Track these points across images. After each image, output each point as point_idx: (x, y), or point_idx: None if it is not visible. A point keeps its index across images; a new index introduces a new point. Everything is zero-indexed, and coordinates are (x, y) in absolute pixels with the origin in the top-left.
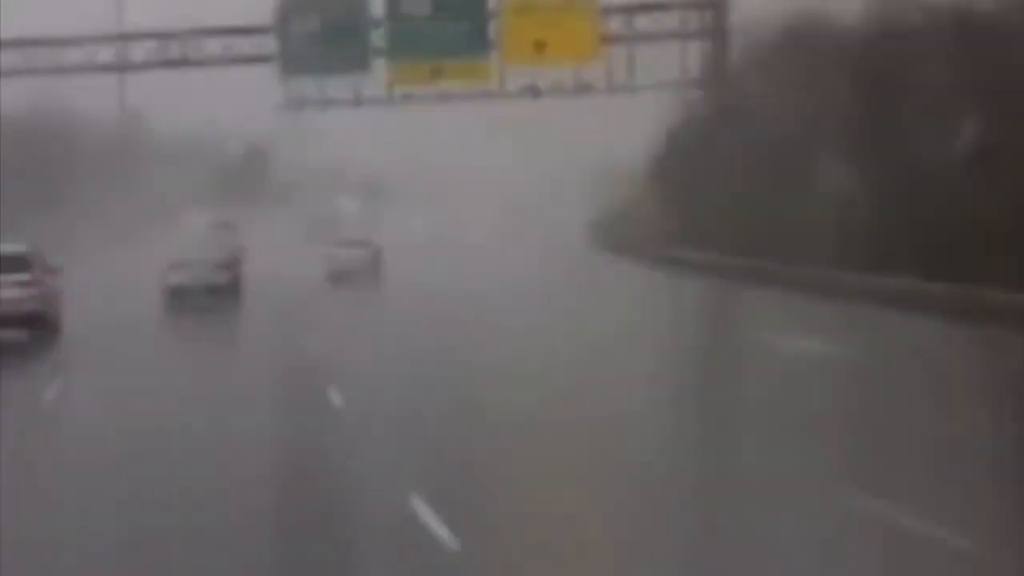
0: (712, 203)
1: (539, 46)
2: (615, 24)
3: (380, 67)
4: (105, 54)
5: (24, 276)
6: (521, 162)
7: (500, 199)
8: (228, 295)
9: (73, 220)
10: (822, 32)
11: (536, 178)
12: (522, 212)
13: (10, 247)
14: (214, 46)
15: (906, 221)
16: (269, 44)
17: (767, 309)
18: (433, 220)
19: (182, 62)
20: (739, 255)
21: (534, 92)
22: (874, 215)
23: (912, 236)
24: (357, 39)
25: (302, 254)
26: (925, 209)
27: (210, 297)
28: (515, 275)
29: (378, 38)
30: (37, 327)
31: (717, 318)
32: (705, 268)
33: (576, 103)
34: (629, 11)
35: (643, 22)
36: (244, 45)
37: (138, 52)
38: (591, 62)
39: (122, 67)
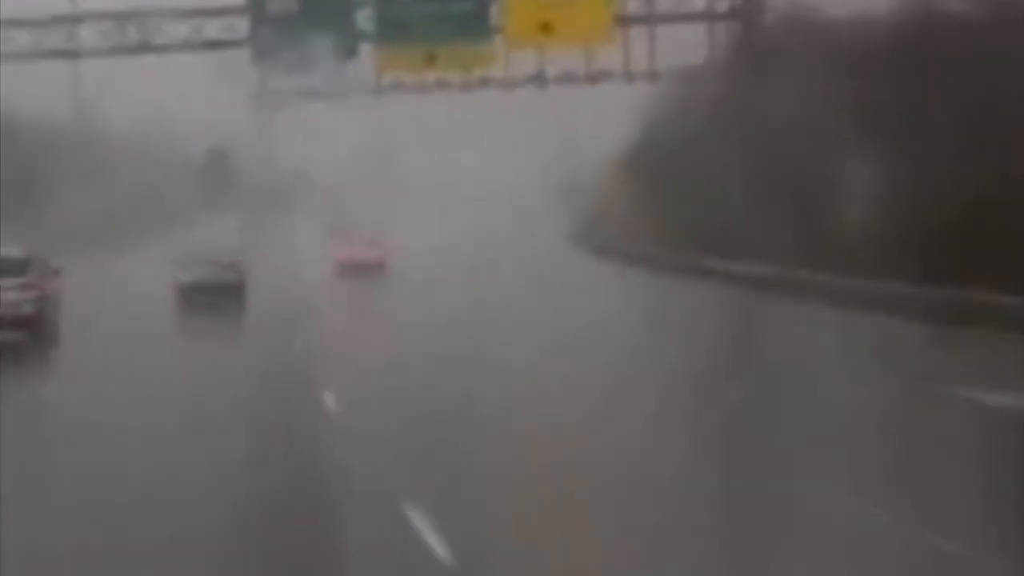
0: (727, 204)
1: (546, 28)
2: (633, 4)
3: (367, 53)
4: (55, 38)
5: (22, 279)
6: (517, 158)
7: (494, 198)
8: (235, 294)
9: (54, 222)
10: (844, 20)
11: (532, 175)
12: (515, 212)
13: (9, 250)
14: (178, 29)
15: (941, 226)
16: (241, 27)
17: (888, 341)
18: (418, 222)
19: (141, 47)
20: (760, 262)
21: (541, 81)
22: (909, 221)
23: (955, 242)
24: (341, 21)
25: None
26: (953, 213)
27: (219, 295)
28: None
29: (365, 20)
30: (35, 329)
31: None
32: (730, 278)
33: (584, 92)
34: None
35: (665, 2)
36: (212, 28)
37: (91, 35)
38: (604, 46)
39: (74, 53)
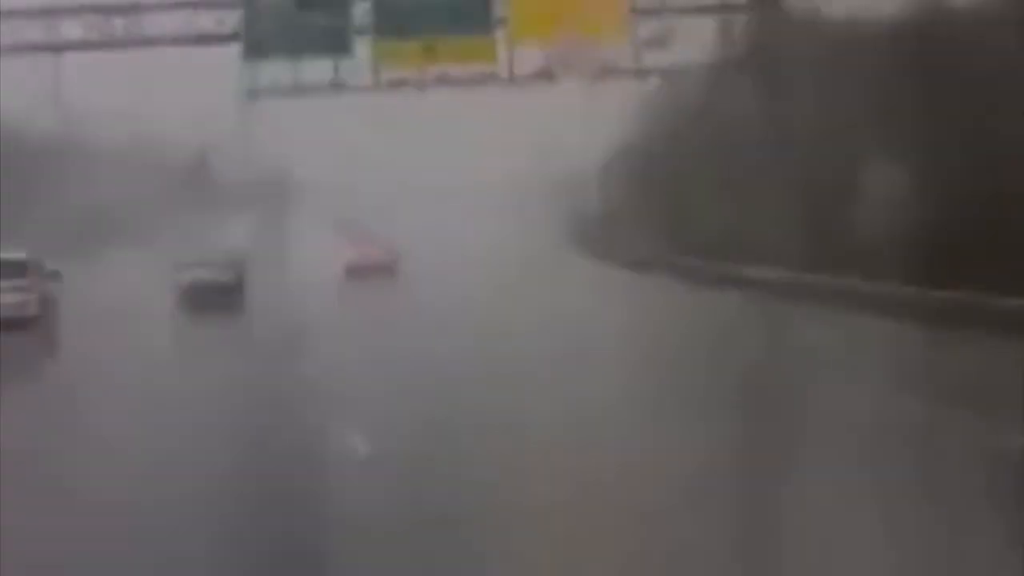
0: (736, 205)
1: (553, 20)
2: None
3: (363, 47)
4: (34, 32)
5: (23, 281)
6: (519, 155)
7: (496, 197)
8: (234, 294)
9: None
10: (862, 15)
11: (534, 174)
12: (517, 212)
13: (9, 253)
14: (166, 22)
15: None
16: (233, 20)
17: None
18: (420, 222)
19: (128, 40)
20: (774, 267)
21: (547, 76)
22: (926, 223)
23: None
24: (337, 13)
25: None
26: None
27: (217, 295)
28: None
29: (362, 12)
30: (35, 331)
31: None
32: (741, 283)
33: (592, 86)
34: None
35: None
36: (202, 21)
37: (73, 29)
38: (616, 38)
39: (55, 47)
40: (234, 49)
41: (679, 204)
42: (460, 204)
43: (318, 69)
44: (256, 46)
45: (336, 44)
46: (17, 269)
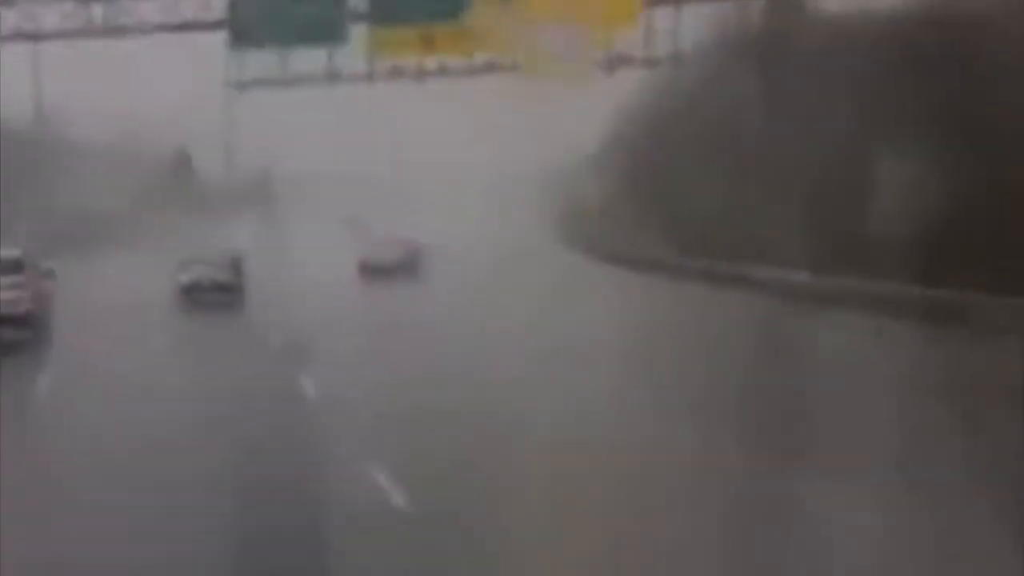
0: (741, 203)
1: (561, 7)
2: None
3: (358, 35)
4: (9, 19)
5: (19, 278)
6: (519, 151)
7: (495, 194)
8: (235, 292)
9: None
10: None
11: (533, 170)
12: (517, 211)
13: (6, 251)
14: (148, 9)
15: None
16: (219, 6)
17: None
18: (407, 220)
19: (107, 30)
20: (778, 267)
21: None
22: (935, 220)
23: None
24: None
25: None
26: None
27: (220, 294)
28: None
29: None
30: (30, 327)
31: None
32: (745, 284)
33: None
34: None
35: None
36: (187, 7)
37: (51, 17)
38: (626, 27)
39: (33, 36)
40: (220, 37)
41: (678, 201)
42: (461, 196)
43: (310, 58)
44: (244, 34)
45: (329, 32)
46: (14, 266)
